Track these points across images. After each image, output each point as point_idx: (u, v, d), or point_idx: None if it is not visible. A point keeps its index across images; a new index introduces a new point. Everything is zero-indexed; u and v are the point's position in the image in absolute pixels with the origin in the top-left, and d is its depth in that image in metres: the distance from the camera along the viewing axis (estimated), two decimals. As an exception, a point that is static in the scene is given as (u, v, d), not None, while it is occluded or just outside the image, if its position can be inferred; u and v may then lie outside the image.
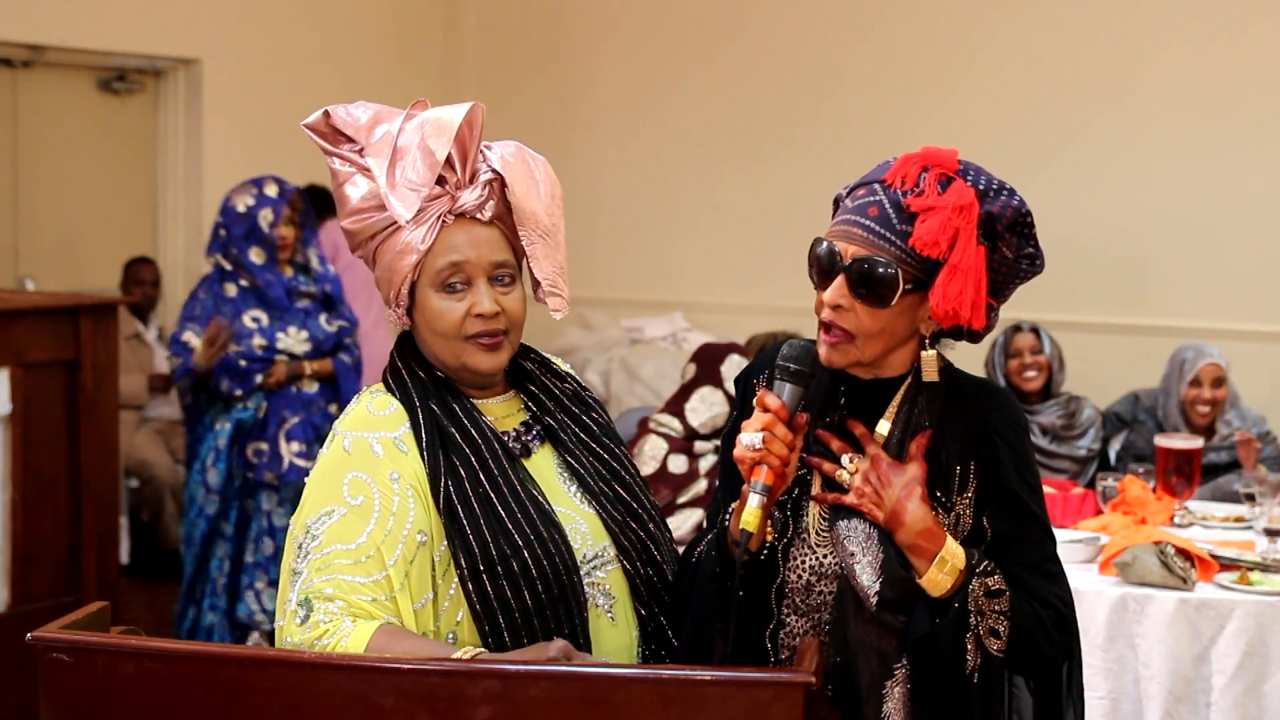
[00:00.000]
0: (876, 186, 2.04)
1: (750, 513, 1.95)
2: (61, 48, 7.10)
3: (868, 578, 2.00)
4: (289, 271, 5.28)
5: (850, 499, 2.02)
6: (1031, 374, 5.35)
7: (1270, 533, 3.97)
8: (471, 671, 1.75)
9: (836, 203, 2.11)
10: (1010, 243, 2.02)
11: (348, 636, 1.91)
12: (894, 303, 2.00)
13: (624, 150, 8.11)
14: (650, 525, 2.18)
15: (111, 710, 1.79)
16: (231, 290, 5.19)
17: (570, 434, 2.20)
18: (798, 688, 1.70)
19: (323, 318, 5.37)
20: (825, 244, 2.04)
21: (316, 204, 6.74)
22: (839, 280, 2.02)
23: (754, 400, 2.02)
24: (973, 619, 1.97)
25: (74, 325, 4.86)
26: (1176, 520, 4.30)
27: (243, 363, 5.11)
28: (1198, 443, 4.44)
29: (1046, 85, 6.93)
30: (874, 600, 1.99)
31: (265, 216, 5.18)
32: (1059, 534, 4.08)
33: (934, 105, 7.12)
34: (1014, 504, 2.06)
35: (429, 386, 2.11)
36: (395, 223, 2.07)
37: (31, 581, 4.74)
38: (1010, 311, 6.18)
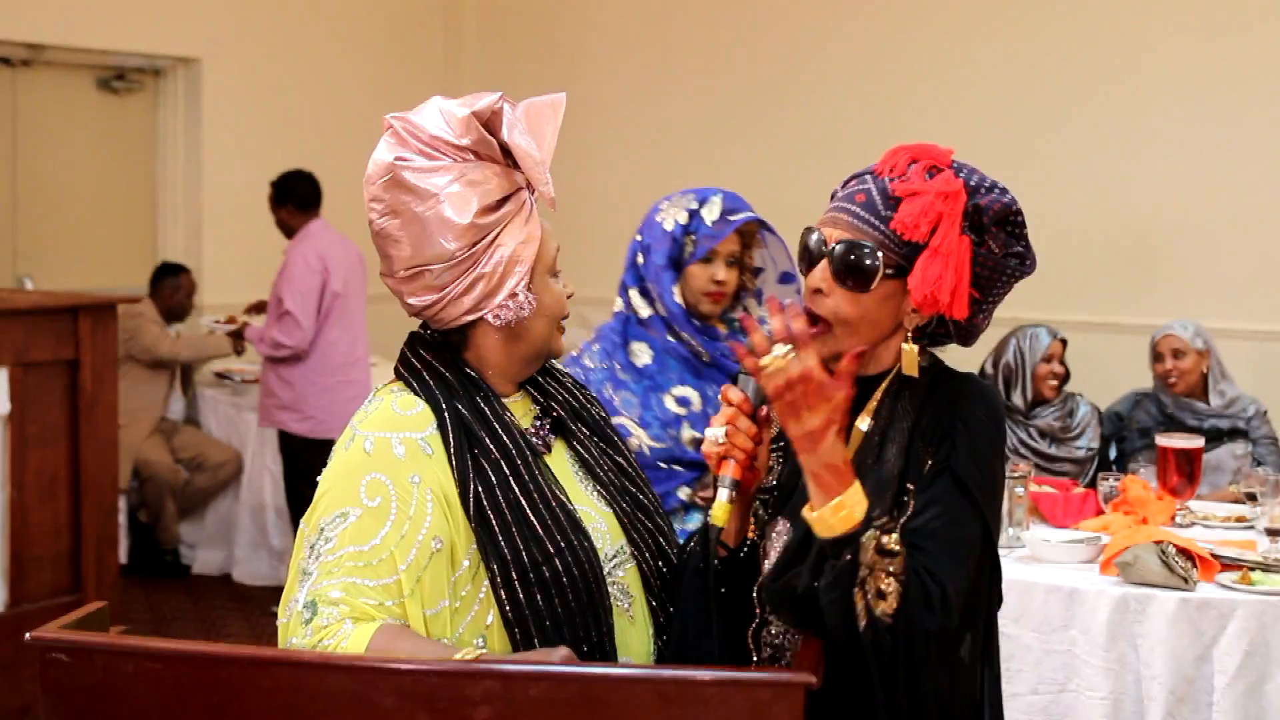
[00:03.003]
0: (867, 176, 2.06)
1: (719, 507, 1.94)
2: (61, 47, 7.11)
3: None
4: (724, 326, 3.35)
5: (768, 388, 1.88)
6: (1053, 382, 5.41)
7: (1272, 532, 3.96)
8: (471, 671, 1.75)
9: (833, 198, 2.12)
10: (998, 238, 2.01)
11: (348, 639, 1.91)
12: (874, 287, 1.99)
13: (624, 149, 8.11)
14: (656, 517, 2.20)
15: (111, 710, 1.78)
16: (644, 356, 3.29)
17: (577, 424, 2.20)
18: (798, 688, 1.69)
19: None
20: (814, 232, 2.05)
21: (301, 193, 6.65)
22: (822, 264, 2.03)
23: (719, 395, 2.01)
24: (862, 572, 1.85)
25: (73, 324, 4.86)
26: (1178, 520, 4.29)
27: (663, 465, 3.21)
28: (1198, 442, 4.43)
29: (1049, 83, 6.93)
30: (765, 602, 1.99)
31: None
32: (1059, 534, 4.11)
33: (937, 101, 7.12)
34: (952, 483, 1.96)
35: (455, 386, 2.08)
36: (518, 213, 2.07)
37: (30, 581, 4.73)
38: (1014, 310, 6.20)
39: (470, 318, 2.08)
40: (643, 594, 2.14)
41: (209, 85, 7.57)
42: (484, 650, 1.97)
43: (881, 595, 1.85)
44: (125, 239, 7.59)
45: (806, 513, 1.89)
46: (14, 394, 4.69)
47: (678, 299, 3.23)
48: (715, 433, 1.96)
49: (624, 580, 2.12)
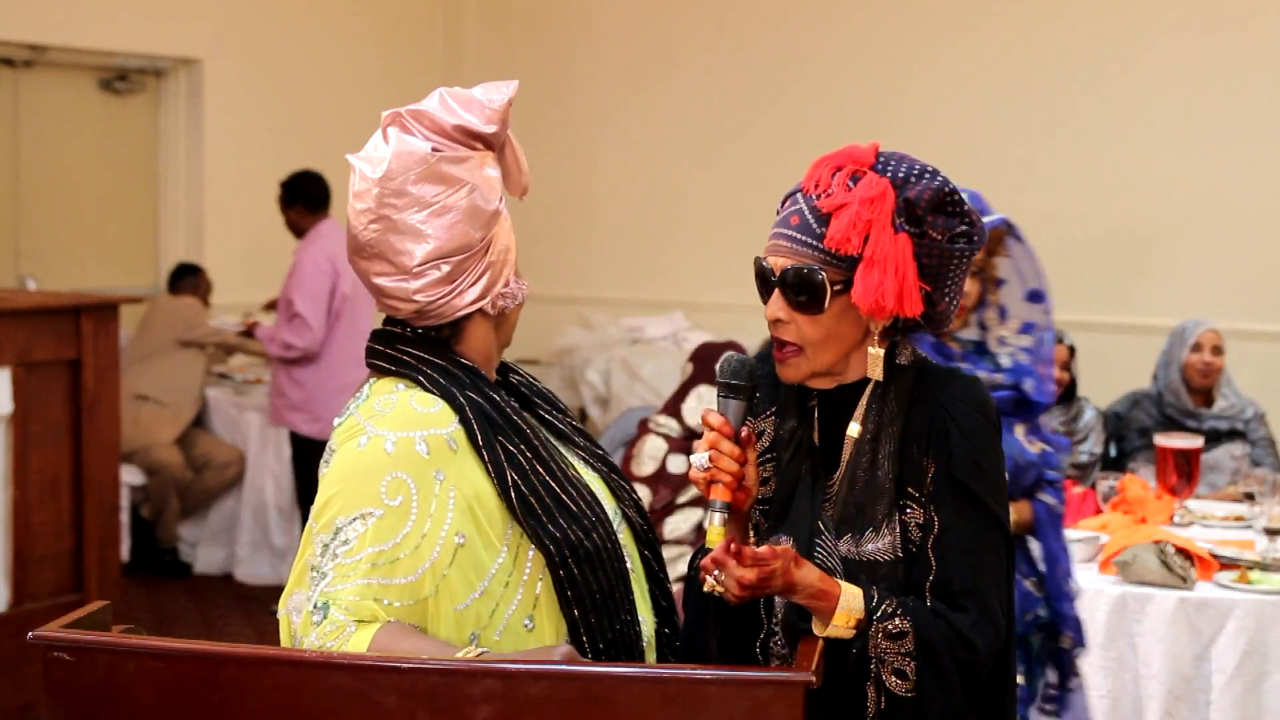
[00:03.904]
0: (798, 195, 2.09)
1: (714, 531, 1.97)
2: (63, 47, 7.11)
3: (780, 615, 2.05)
4: (958, 344, 3.04)
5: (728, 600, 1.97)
6: (1052, 388, 5.39)
7: (1270, 532, 3.97)
8: (471, 671, 1.76)
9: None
10: (937, 224, 2.01)
11: (350, 640, 1.90)
12: (827, 307, 2.01)
13: (624, 149, 8.11)
14: (619, 470, 2.23)
15: (113, 709, 1.79)
16: None
17: (537, 399, 2.21)
18: (798, 687, 1.70)
19: (1019, 430, 3.21)
20: (762, 261, 2.07)
21: (311, 193, 6.64)
22: (775, 294, 2.04)
23: (699, 419, 2.04)
24: (873, 666, 1.94)
25: (75, 325, 4.86)
26: (1176, 519, 4.30)
27: None
28: (1198, 442, 4.44)
29: (1051, 83, 6.93)
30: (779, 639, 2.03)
31: None
32: (1059, 533, 4.11)
33: (938, 102, 7.12)
34: (959, 491, 2.01)
35: (462, 379, 2.06)
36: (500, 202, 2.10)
37: (33, 580, 4.74)
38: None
39: (473, 308, 2.07)
40: (637, 551, 2.16)
41: (210, 86, 7.57)
42: (484, 649, 1.98)
43: (903, 675, 1.94)
44: (127, 239, 7.59)
45: (819, 632, 1.95)
46: (16, 394, 4.69)
47: None
48: (700, 459, 1.98)
49: (624, 542, 2.13)
